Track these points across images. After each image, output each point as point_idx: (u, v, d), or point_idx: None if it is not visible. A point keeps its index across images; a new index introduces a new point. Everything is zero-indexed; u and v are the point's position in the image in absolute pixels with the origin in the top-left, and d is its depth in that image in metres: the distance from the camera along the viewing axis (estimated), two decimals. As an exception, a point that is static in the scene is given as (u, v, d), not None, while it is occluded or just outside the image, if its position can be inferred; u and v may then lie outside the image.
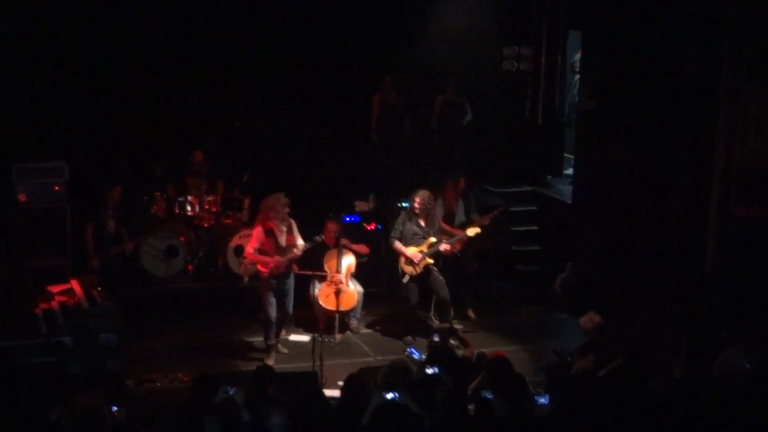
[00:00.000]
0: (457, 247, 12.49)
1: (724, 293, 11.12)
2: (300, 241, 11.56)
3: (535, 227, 14.62)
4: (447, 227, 12.60)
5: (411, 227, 12.29)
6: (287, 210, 11.44)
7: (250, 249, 11.55)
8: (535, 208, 14.94)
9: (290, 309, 11.80)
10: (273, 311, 11.59)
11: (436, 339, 10.71)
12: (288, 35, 14.90)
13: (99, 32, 14.07)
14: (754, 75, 10.87)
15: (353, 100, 15.18)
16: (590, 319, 10.43)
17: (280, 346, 11.96)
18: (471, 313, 13.06)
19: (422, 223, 12.26)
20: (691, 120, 11.55)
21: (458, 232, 12.52)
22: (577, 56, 15.66)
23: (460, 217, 12.81)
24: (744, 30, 10.92)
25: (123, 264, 12.80)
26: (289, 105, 15.07)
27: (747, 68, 10.90)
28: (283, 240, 11.49)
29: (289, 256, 11.46)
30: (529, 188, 15.61)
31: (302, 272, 11.78)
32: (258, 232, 11.48)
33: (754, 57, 10.83)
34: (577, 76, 15.34)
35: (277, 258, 11.40)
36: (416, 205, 12.17)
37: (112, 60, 14.21)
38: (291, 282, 11.68)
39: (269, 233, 11.41)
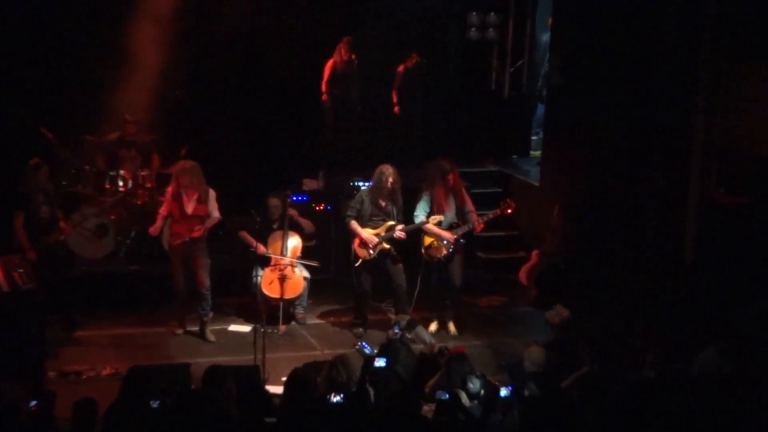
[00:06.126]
0: (443, 251, 11.78)
1: (703, 286, 10.95)
2: (215, 213, 11.63)
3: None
4: (435, 228, 11.73)
5: (370, 207, 11.90)
6: (197, 178, 11.41)
7: (162, 212, 11.66)
8: (499, 190, 14.70)
9: (205, 280, 11.60)
10: (180, 280, 11.62)
11: (396, 332, 10.42)
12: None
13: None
14: (735, 52, 10.65)
15: (303, 70, 14.85)
16: (557, 314, 10.30)
17: (208, 332, 11.78)
18: (452, 327, 12.16)
19: (383, 204, 11.87)
20: (668, 100, 11.32)
21: (446, 234, 11.74)
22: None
23: (451, 218, 11.86)
24: (725, 5, 10.71)
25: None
26: (234, 73, 14.87)
27: (728, 45, 10.70)
28: (189, 208, 11.47)
29: (192, 226, 11.44)
30: (493, 168, 15.48)
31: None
32: (167, 194, 11.64)
33: (736, 33, 10.62)
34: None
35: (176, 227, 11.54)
36: (390, 182, 11.70)
37: (35, 18, 13.80)
38: (201, 246, 11.56)
39: (176, 197, 11.51)
